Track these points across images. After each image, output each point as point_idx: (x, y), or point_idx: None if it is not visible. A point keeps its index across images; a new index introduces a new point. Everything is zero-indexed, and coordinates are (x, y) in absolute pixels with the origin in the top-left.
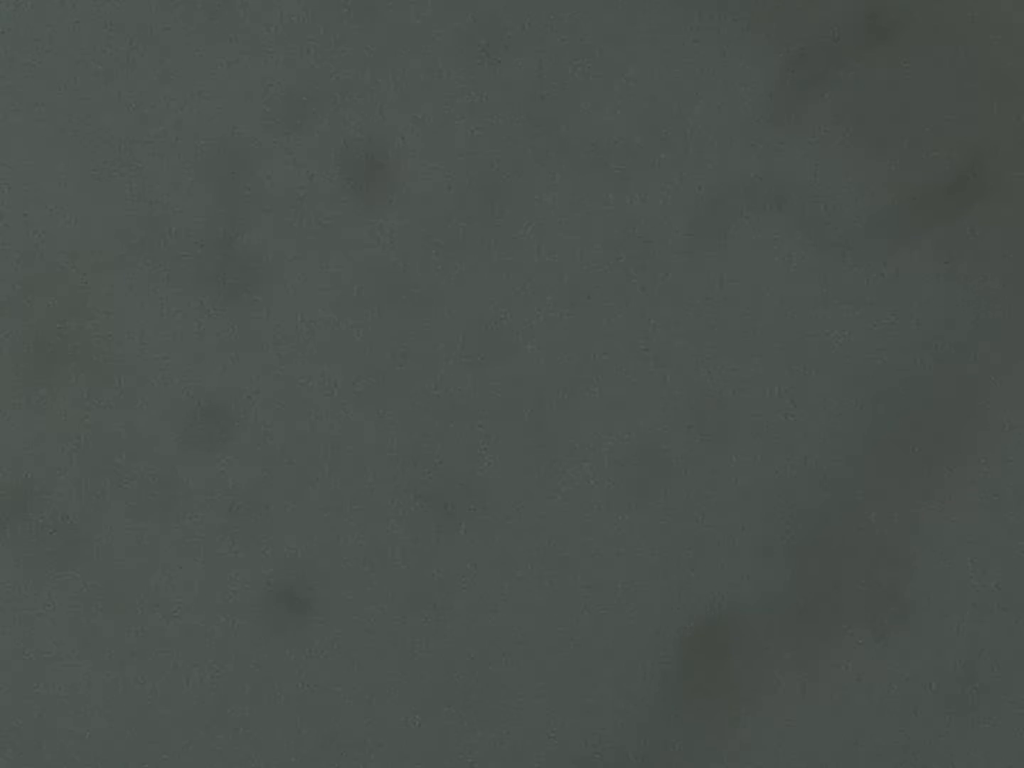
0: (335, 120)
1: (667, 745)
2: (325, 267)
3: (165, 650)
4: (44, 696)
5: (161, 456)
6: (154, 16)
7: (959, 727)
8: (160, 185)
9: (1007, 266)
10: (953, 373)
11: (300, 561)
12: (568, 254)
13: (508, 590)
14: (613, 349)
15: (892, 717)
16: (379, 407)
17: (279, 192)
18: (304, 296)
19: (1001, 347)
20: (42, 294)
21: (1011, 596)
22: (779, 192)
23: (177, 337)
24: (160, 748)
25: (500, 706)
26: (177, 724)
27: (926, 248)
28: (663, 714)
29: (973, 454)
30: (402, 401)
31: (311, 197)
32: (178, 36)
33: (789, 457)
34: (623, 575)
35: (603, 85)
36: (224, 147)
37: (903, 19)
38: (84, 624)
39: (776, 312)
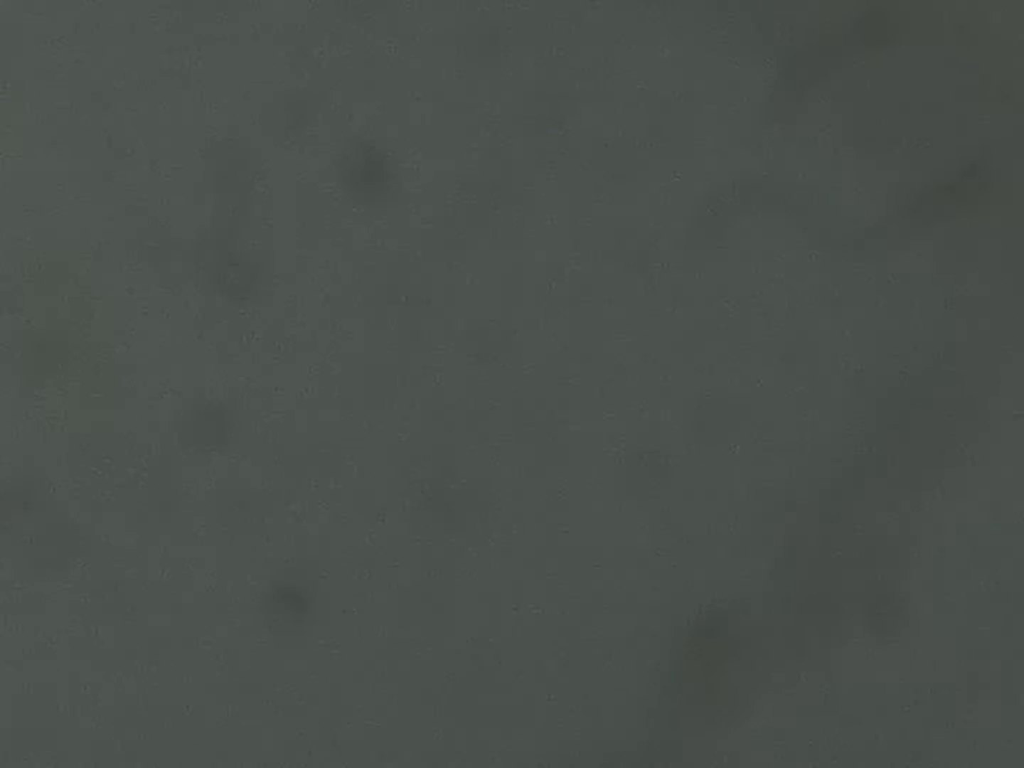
0: (335, 120)
1: (667, 745)
2: (325, 267)
3: (165, 649)
4: (45, 696)
5: (161, 456)
6: (155, 17)
7: (959, 727)
8: (160, 185)
9: (1006, 267)
10: (953, 373)
11: (300, 561)
12: (568, 254)
13: (508, 590)
14: (612, 349)
15: (892, 717)
16: (379, 407)
17: (279, 192)
18: (304, 296)
19: (1001, 347)
20: (42, 294)
21: (1011, 596)
22: (779, 192)
23: (177, 337)
24: (160, 747)
25: (500, 706)
26: (177, 723)
27: (926, 248)
28: (663, 714)
29: (973, 454)
30: (402, 401)
31: (311, 197)
32: (178, 36)
33: (789, 457)
34: (623, 575)
35: (603, 85)
36: (224, 147)
37: (902, 20)
38: (84, 624)
39: (776, 312)
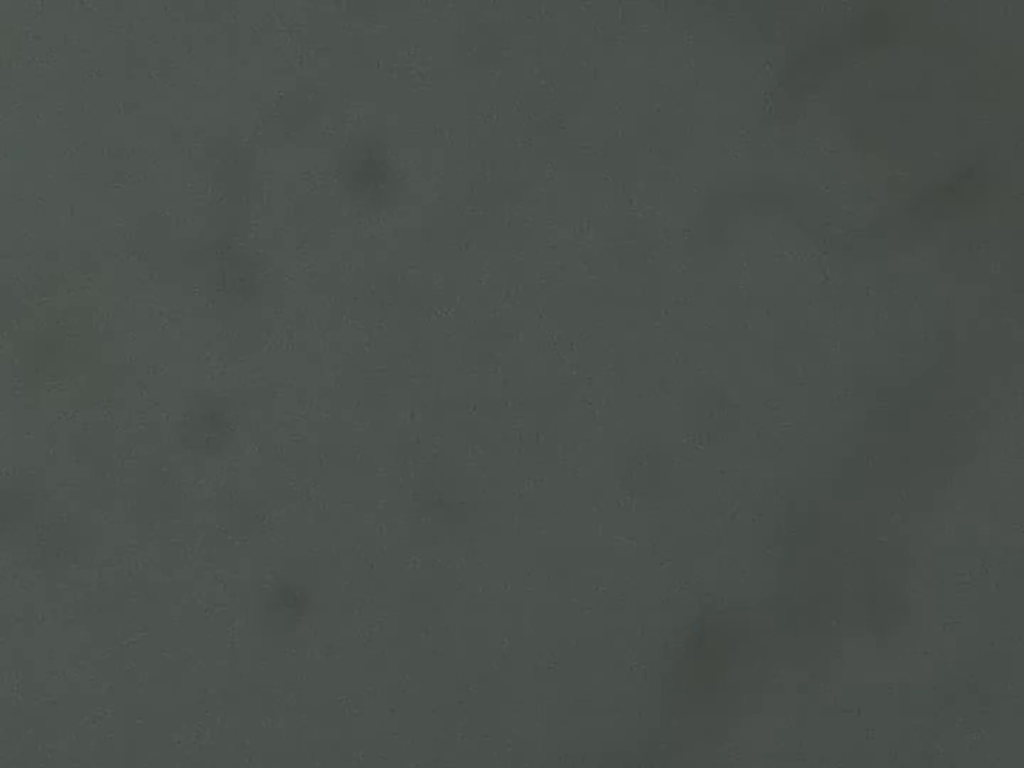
0: (335, 120)
1: (667, 745)
2: (325, 267)
3: (165, 650)
4: (44, 696)
5: (161, 457)
6: (154, 16)
7: (959, 727)
8: (160, 185)
9: (1007, 266)
10: (953, 373)
11: (300, 561)
12: (568, 254)
13: (508, 590)
14: (612, 349)
15: (892, 717)
16: (379, 407)
17: (279, 192)
18: (304, 296)
19: (1001, 347)
20: (42, 294)
21: (1011, 596)
22: (779, 192)
23: (177, 337)
24: (160, 747)
25: (500, 706)
26: (177, 724)
27: (926, 248)
28: (663, 714)
29: (973, 454)
30: (402, 401)
31: (311, 197)
32: (178, 36)
33: (789, 457)
34: (623, 575)
35: (603, 85)
36: (224, 147)
37: (902, 20)
38: (84, 624)
39: (776, 312)
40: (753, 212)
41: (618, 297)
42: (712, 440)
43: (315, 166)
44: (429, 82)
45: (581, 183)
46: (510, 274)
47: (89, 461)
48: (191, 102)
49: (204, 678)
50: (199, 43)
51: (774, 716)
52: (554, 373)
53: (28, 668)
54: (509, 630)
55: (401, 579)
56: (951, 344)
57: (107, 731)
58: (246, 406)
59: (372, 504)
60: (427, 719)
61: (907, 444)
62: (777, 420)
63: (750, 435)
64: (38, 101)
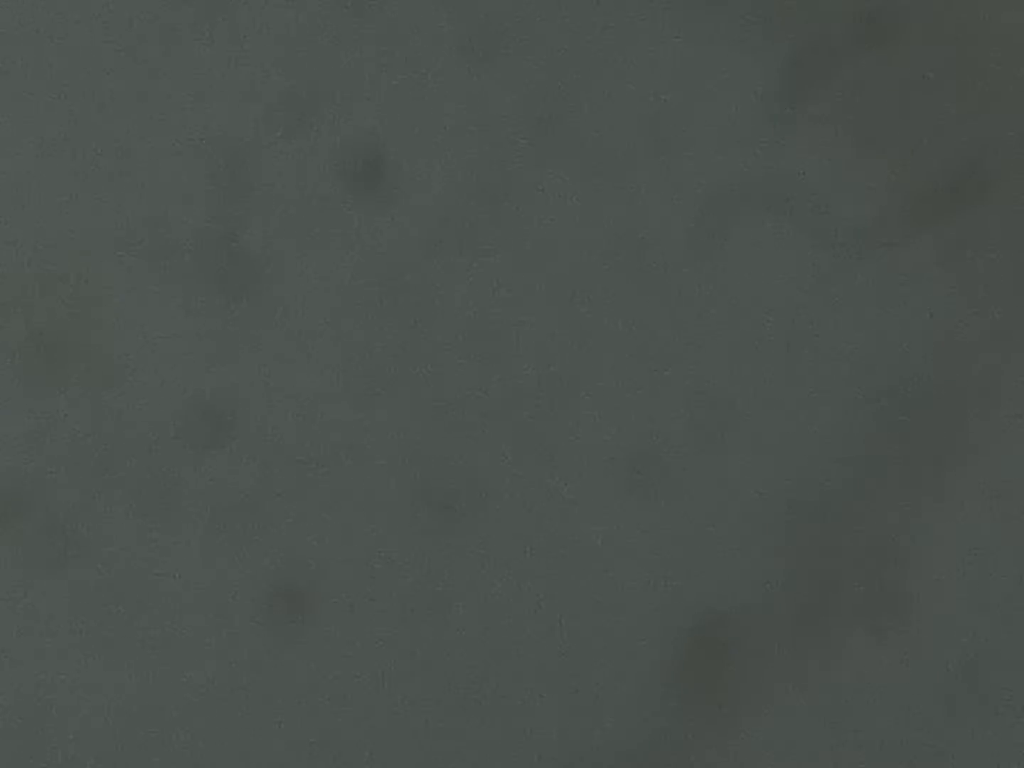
0: (335, 120)
1: (667, 745)
2: (325, 267)
3: (165, 650)
4: (44, 696)
5: (161, 456)
6: (154, 16)
7: (959, 727)
8: (160, 185)
9: (1007, 266)
10: (953, 373)
11: (300, 561)
12: (568, 254)
13: (508, 590)
14: (612, 349)
15: (892, 717)
16: (379, 407)
17: (279, 192)
18: (304, 296)
19: (1001, 347)
20: (43, 294)
21: (1011, 596)
22: (779, 192)
23: (177, 337)
24: (160, 747)
25: (500, 705)
26: (177, 723)
27: (926, 248)
28: (663, 714)
29: (973, 454)
30: (402, 401)
31: (311, 197)
32: (178, 36)
33: (789, 457)
34: (623, 575)
35: (603, 85)
36: (224, 147)
37: (902, 20)
38: (84, 624)
39: (776, 312)
40: (753, 212)
41: (618, 297)
42: (712, 440)
43: (315, 166)
44: (429, 82)
45: (581, 183)
46: (510, 274)
47: (89, 461)
48: (191, 102)
49: (204, 677)
50: (199, 43)
51: (774, 715)
52: (554, 373)
53: (28, 668)
54: (509, 630)
55: (401, 579)
56: (951, 344)
57: (107, 731)
58: (246, 406)
59: (372, 504)
60: (427, 719)
61: (907, 444)
62: (777, 420)
63: (750, 435)
64: (39, 101)
